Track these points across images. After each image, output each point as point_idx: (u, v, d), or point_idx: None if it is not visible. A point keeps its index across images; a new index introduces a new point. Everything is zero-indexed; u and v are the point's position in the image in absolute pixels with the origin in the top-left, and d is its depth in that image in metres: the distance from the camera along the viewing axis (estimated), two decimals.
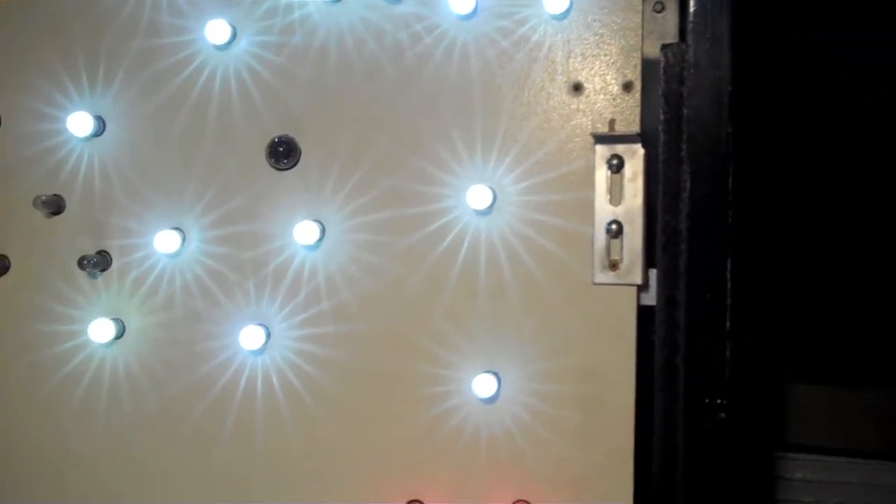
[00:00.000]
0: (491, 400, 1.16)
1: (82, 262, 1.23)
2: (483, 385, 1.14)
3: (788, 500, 1.54)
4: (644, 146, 1.11)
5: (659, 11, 1.15)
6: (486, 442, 1.16)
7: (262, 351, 1.21)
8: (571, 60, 1.14)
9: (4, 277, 1.28)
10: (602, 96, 1.14)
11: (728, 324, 1.00)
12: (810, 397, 1.52)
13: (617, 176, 1.11)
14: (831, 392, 1.51)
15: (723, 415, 1.01)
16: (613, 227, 1.11)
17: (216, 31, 1.21)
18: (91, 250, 1.25)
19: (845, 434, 1.53)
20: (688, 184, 1.02)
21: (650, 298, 1.12)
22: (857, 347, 1.56)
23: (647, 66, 1.12)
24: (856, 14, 1.50)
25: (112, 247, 1.25)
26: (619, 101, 1.13)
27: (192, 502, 1.23)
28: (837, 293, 1.57)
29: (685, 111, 1.04)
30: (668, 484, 1.06)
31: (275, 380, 1.21)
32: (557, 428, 1.14)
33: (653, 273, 1.11)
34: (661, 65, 1.07)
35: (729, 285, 1.00)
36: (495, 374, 1.15)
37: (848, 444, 1.52)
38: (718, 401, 1.01)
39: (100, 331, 1.23)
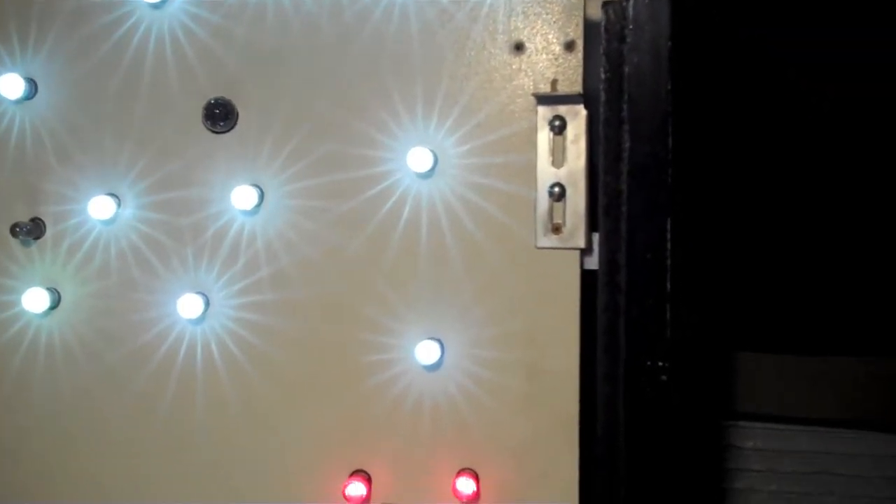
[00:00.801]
0: (434, 367, 1.14)
1: (15, 230, 1.20)
2: (426, 352, 1.12)
3: (740, 469, 1.53)
4: (587, 107, 1.09)
5: None
6: (430, 410, 1.14)
7: (201, 320, 1.18)
8: (513, 19, 1.12)
9: None
10: (544, 56, 1.11)
11: (668, 285, 0.99)
12: (761, 366, 1.51)
13: (559, 138, 1.09)
14: (782, 360, 1.50)
15: (664, 378, 0.99)
16: (556, 189, 1.09)
17: None
18: (24, 217, 1.21)
19: (797, 402, 1.52)
20: (628, 144, 1.00)
21: (593, 262, 1.10)
22: (808, 315, 1.55)
23: (591, 25, 1.10)
24: (803, 14, 1.49)
25: (46, 213, 1.22)
26: (561, 60, 1.11)
27: (130, 473, 1.20)
28: (786, 261, 1.56)
29: (626, 69, 1.02)
30: (611, 449, 1.04)
31: (215, 349, 1.18)
32: (501, 395, 1.13)
33: (596, 237, 1.09)
34: (603, 23, 1.05)
35: (669, 246, 0.99)
36: (438, 340, 1.13)
37: (799, 412, 1.52)
38: (660, 363, 1.00)
39: (34, 300, 1.19)
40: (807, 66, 1.52)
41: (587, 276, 1.11)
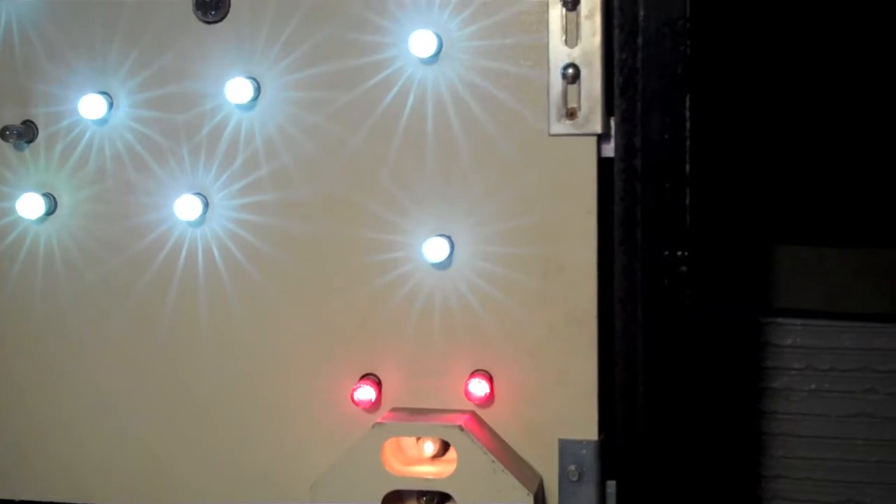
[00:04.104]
0: (443, 265, 1.08)
1: (5, 133, 1.15)
2: (434, 249, 1.06)
3: (778, 368, 1.47)
4: None
5: None
6: (441, 310, 1.09)
7: (200, 222, 1.13)
8: None
9: None
10: None
11: (688, 167, 0.91)
12: (800, 259, 1.44)
13: (572, 14, 1.01)
14: (821, 253, 1.43)
15: (684, 268, 0.92)
16: (570, 71, 1.01)
17: None
18: (15, 120, 1.16)
19: (838, 297, 1.45)
20: (642, 13, 0.92)
21: (611, 150, 1.02)
22: (847, 206, 1.47)
23: None
24: None
25: (37, 115, 1.16)
26: None
27: (133, 377, 1.16)
28: (824, 150, 1.47)
29: None
30: (629, 345, 0.98)
31: (216, 252, 1.13)
32: (515, 293, 1.07)
33: (614, 122, 1.02)
34: None
35: (688, 125, 0.91)
36: (447, 237, 1.07)
37: (841, 307, 1.45)
38: (679, 253, 0.93)
39: (29, 206, 1.15)
40: None
41: (605, 165, 1.03)
